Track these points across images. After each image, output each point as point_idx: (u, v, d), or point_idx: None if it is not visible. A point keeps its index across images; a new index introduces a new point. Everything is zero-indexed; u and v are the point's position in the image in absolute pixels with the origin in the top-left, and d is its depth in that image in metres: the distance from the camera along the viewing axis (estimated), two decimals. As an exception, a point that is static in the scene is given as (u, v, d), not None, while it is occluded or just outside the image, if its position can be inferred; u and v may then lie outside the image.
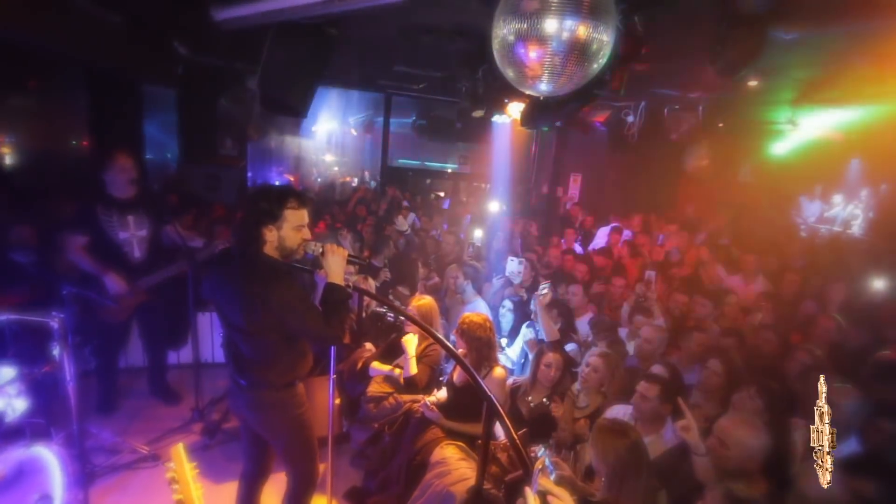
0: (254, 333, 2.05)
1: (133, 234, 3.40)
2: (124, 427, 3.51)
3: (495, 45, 2.25)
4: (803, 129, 7.14)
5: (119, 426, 3.49)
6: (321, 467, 2.44)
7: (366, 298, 3.83)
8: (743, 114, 6.78)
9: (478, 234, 5.63)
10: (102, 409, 3.63)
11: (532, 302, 3.53)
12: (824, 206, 8.86)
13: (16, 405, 2.47)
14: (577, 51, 1.99)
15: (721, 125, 7.41)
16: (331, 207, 7.24)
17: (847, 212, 8.67)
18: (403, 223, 6.48)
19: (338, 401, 3.54)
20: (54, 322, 2.64)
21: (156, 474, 3.10)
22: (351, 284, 2.59)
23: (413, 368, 3.22)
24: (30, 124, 4.99)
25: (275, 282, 1.98)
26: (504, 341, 3.92)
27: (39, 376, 2.69)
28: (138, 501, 2.91)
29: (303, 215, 2.07)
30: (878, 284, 4.17)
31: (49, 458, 2.49)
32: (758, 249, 5.38)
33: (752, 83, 4.72)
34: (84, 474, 2.73)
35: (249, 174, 5.80)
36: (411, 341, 3.25)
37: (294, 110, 3.63)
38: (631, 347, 3.54)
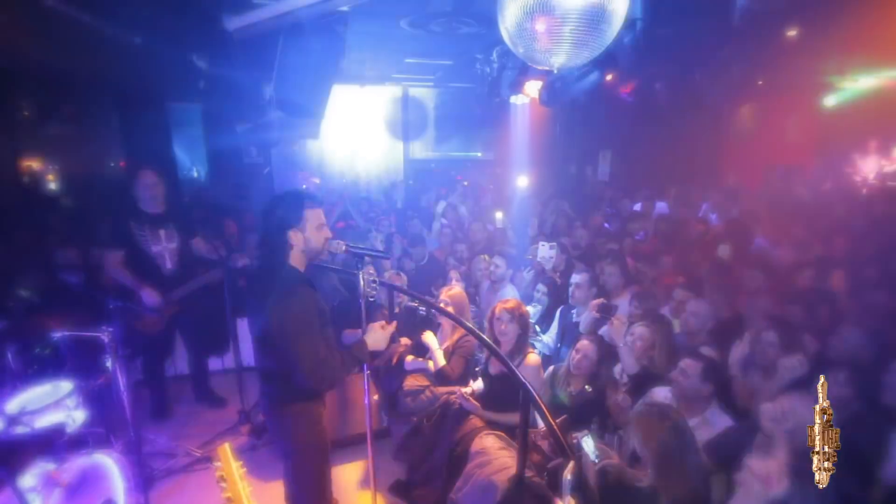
0: (265, 343, 2.06)
1: (165, 247, 3.54)
2: (178, 432, 3.67)
3: (503, 22, 2.15)
4: (854, 78, 6.55)
5: (173, 431, 3.66)
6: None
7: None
8: (784, 68, 6.27)
9: (498, 216, 5.45)
10: (156, 416, 3.81)
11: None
12: (884, 161, 8.13)
13: (76, 416, 2.60)
14: (589, 16, 1.86)
15: (760, 83, 6.91)
16: (357, 205, 7.29)
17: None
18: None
19: (375, 397, 3.57)
20: (105, 336, 2.79)
21: (210, 475, 3.22)
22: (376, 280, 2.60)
23: (441, 360, 3.21)
24: (69, 150, 5.27)
25: (287, 296, 1.95)
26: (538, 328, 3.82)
27: (95, 388, 2.83)
28: (196, 501, 3.04)
29: (320, 214, 2.09)
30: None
31: (110, 464, 2.61)
32: (806, 213, 4.98)
33: (792, 32, 4.36)
34: (144, 478, 2.88)
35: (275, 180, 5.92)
36: (431, 337, 3.32)
37: (311, 112, 3.65)
38: (676, 324, 3.37)
